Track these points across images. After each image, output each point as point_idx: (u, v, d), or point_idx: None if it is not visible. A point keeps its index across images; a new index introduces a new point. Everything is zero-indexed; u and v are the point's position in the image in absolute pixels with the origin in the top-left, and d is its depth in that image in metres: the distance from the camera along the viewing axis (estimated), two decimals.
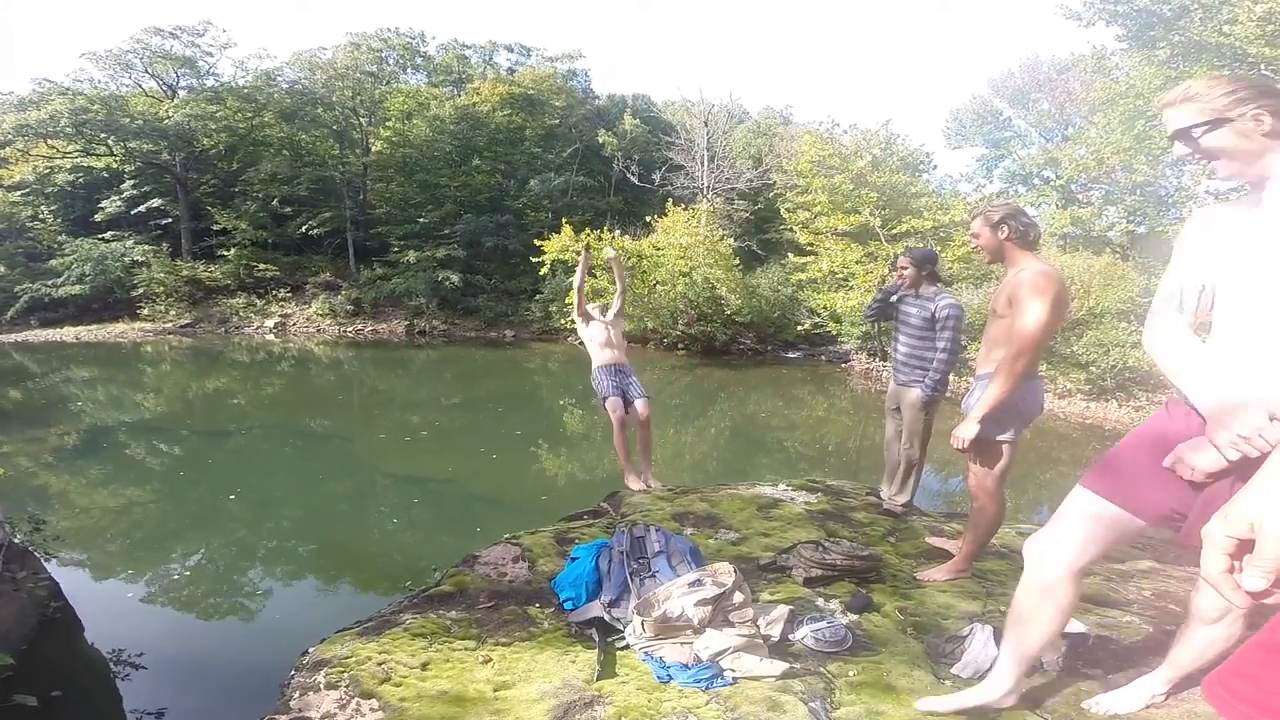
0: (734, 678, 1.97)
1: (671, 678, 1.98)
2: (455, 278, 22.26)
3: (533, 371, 16.67)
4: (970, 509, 2.65)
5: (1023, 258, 2.53)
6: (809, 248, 17.42)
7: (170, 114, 22.75)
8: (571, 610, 2.42)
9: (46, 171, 24.07)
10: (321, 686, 1.96)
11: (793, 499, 3.82)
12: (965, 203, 17.57)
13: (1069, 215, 19.02)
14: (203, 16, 28.33)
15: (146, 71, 23.98)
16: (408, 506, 5.84)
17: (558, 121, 27.49)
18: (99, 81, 23.19)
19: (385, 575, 4.46)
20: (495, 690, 1.95)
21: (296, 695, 1.95)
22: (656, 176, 23.36)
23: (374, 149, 26.40)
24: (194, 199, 24.78)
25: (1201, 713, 1.79)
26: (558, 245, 18.16)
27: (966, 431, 2.45)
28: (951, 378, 3.66)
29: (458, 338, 21.93)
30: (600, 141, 26.24)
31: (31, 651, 3.22)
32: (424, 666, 2.06)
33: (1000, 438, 2.50)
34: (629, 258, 18.42)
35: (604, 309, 4.74)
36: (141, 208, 23.60)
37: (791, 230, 18.23)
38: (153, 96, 24.10)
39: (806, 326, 18.74)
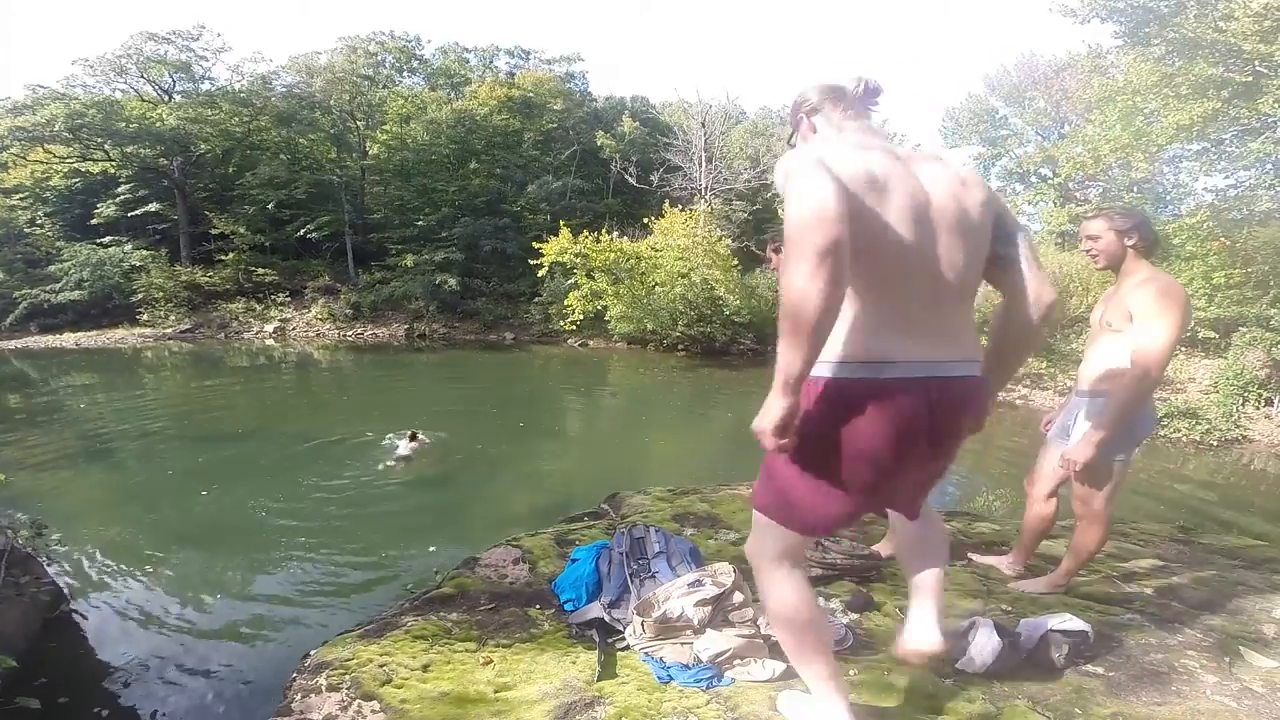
0: (733, 678, 1.98)
1: (672, 678, 1.98)
2: (453, 281, 22.28)
3: (533, 374, 16.67)
4: (1075, 528, 2.55)
5: (1140, 268, 2.36)
6: None
7: (165, 118, 22.77)
8: (572, 612, 2.43)
9: (43, 175, 24.08)
10: (323, 689, 1.96)
11: None
12: None
13: (1067, 213, 19.04)
14: (197, 20, 28.38)
15: (142, 76, 23.96)
16: (408, 509, 5.83)
17: (555, 125, 27.51)
18: (92, 87, 23.18)
19: (386, 578, 4.46)
20: (496, 691, 1.95)
21: (298, 698, 1.95)
22: (654, 178, 23.36)
23: (371, 153, 26.43)
24: (192, 203, 24.80)
25: (1204, 710, 1.80)
26: (556, 248, 18.17)
27: (1082, 455, 2.32)
28: None
29: (457, 341, 21.92)
30: (598, 144, 26.25)
31: (34, 655, 3.22)
32: (425, 668, 2.06)
33: (1111, 457, 2.39)
34: (628, 259, 18.44)
35: None
36: (138, 211, 23.60)
37: None
38: (148, 101, 24.10)
39: None
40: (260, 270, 23.62)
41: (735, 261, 19.38)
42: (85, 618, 3.82)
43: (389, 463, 6.99)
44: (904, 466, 1.36)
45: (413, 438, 7.46)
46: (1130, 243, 2.36)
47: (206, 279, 23.23)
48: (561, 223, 18.98)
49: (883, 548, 2.96)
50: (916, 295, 1.33)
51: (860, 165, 1.28)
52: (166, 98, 24.65)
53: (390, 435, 7.84)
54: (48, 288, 21.36)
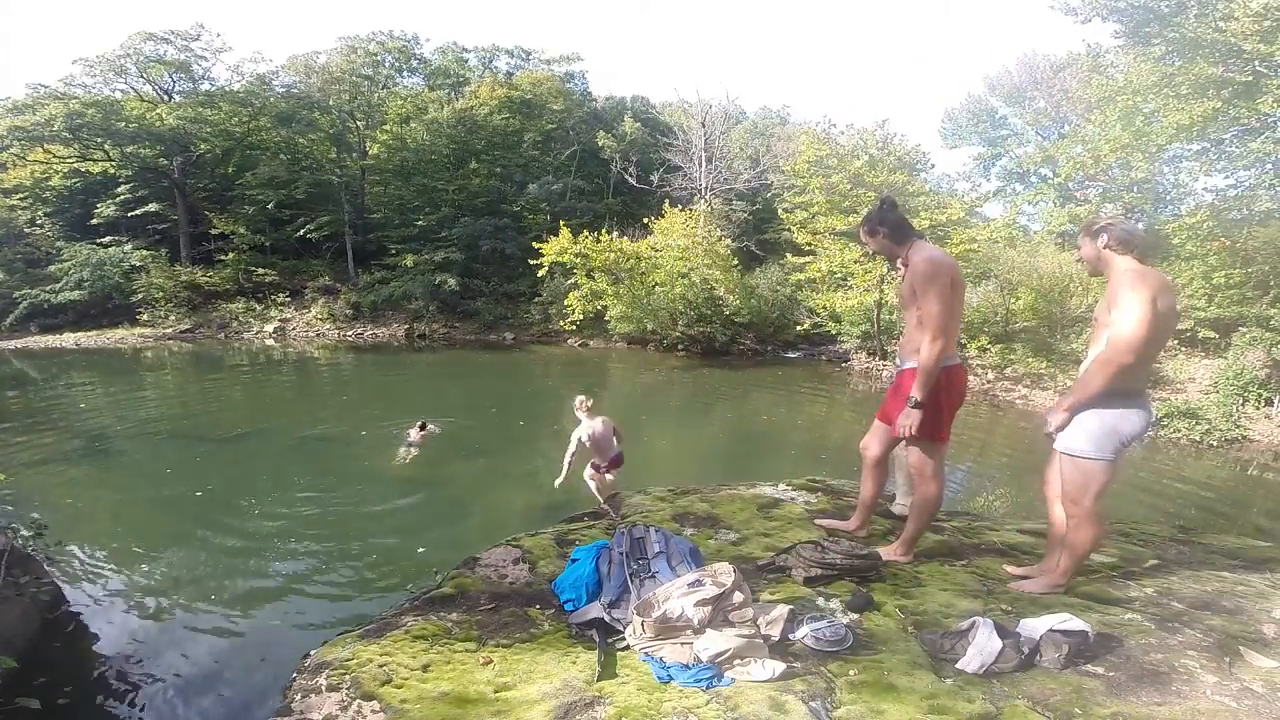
0: (733, 678, 1.97)
1: (672, 678, 1.98)
2: (453, 281, 22.27)
3: (533, 374, 16.67)
4: (1067, 527, 2.58)
5: (1121, 263, 2.44)
6: (807, 248, 17.41)
7: (165, 118, 22.74)
8: (572, 612, 2.43)
9: (43, 176, 24.05)
10: (323, 689, 1.96)
11: (793, 499, 3.82)
12: (962, 201, 17.58)
13: (1067, 213, 19.03)
14: (197, 20, 28.21)
15: (141, 76, 23.92)
16: (408, 509, 5.83)
17: (555, 125, 27.49)
18: (92, 87, 23.11)
19: (386, 578, 4.47)
20: (496, 691, 1.95)
21: (299, 698, 1.95)
22: (654, 178, 23.35)
23: (371, 153, 26.42)
24: (192, 203, 24.77)
25: (1204, 710, 1.79)
26: (556, 248, 18.18)
27: (1058, 421, 2.51)
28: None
29: (457, 341, 21.92)
30: (599, 144, 26.23)
31: (34, 655, 3.22)
32: (425, 668, 2.06)
33: (1096, 456, 2.44)
34: (628, 259, 18.45)
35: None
36: (138, 211, 23.58)
37: (789, 230, 18.25)
38: (148, 101, 24.06)
39: (806, 326, 18.75)
40: (260, 270, 23.60)
41: (735, 261, 19.37)
42: (85, 618, 3.82)
43: (399, 451, 7.10)
44: None
45: (422, 427, 7.61)
46: (1102, 243, 2.45)
47: (206, 279, 23.21)
48: (561, 223, 18.97)
49: (883, 549, 2.96)
50: None
51: None
52: (166, 98, 24.61)
53: (364, 431, 8.07)
54: (48, 288, 21.34)
